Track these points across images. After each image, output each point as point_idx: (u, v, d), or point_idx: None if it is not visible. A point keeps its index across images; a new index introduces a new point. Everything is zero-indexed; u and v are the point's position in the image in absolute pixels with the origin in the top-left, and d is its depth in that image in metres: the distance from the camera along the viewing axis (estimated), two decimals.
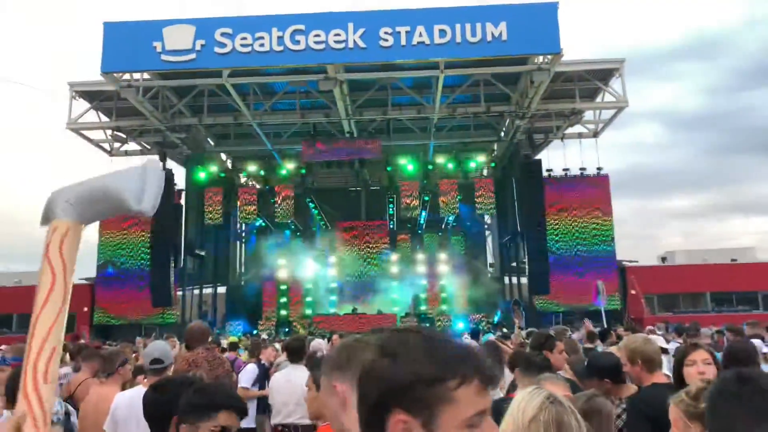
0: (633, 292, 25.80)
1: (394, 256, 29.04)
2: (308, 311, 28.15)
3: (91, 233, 27.44)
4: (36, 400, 1.09)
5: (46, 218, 1.25)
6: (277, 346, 9.79)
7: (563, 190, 25.95)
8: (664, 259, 30.27)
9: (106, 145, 27.00)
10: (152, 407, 2.55)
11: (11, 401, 3.78)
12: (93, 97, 24.11)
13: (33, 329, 1.15)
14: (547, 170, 26.25)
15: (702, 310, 26.90)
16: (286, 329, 24.91)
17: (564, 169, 27.01)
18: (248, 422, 6.31)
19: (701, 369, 3.32)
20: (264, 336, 19.38)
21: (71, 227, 1.23)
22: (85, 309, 26.76)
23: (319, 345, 8.04)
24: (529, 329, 15.06)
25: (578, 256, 24.79)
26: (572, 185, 26.46)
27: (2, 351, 8.24)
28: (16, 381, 2.24)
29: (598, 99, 24.67)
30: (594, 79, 23.25)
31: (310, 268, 29.42)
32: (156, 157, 18.98)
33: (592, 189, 26.54)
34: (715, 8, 67.91)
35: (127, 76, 20.17)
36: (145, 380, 4.57)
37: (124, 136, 26.39)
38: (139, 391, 4.18)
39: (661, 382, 3.61)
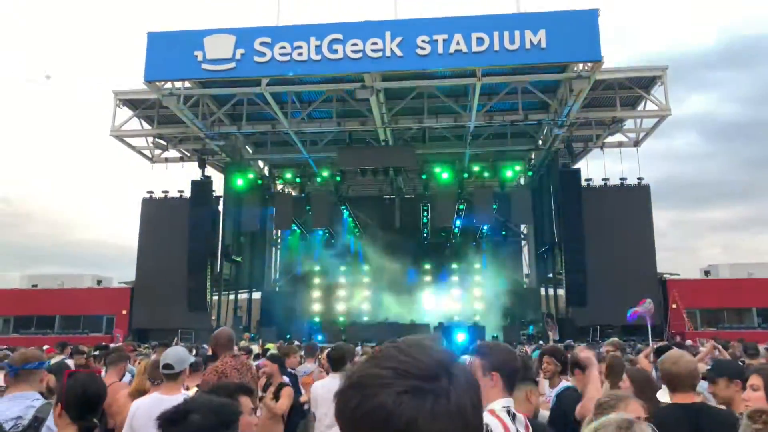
0: (674, 306, 25.02)
1: (427, 265, 28.88)
2: (341, 318, 28.20)
3: (131, 238, 28.14)
4: None
5: None
6: (302, 353, 9.76)
7: (602, 200, 25.40)
8: (707, 272, 29.26)
9: (147, 152, 27.67)
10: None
11: None
12: (136, 105, 24.78)
13: None
14: (586, 180, 25.82)
15: (748, 326, 25.92)
16: (318, 336, 24.96)
17: (603, 179, 26.50)
18: None
19: (747, 395, 3.13)
20: (297, 342, 19.43)
21: None
22: (124, 312, 27.41)
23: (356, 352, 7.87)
24: (566, 342, 14.75)
25: (617, 268, 24.15)
26: (612, 195, 25.91)
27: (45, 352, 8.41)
28: None
29: (640, 107, 24.14)
30: (636, 87, 22.76)
31: (344, 276, 29.50)
32: None
33: (632, 199, 25.94)
34: (753, 15, 65.86)
35: (168, 85, 20.63)
36: (157, 385, 4.58)
37: (165, 143, 27.00)
38: (156, 397, 4.17)
39: (678, 403, 3.35)
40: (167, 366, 4.24)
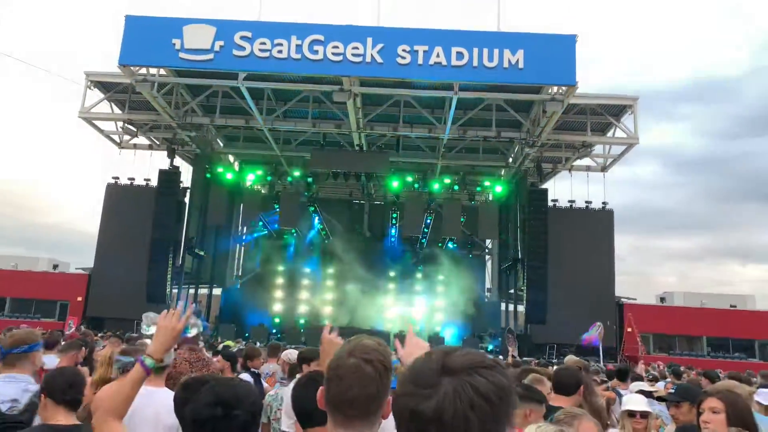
0: (629, 330, 25.61)
1: (392, 273, 28.94)
2: (302, 320, 28.02)
3: (92, 224, 27.47)
4: None
5: None
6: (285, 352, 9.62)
7: (567, 221, 25.90)
8: (662, 299, 30.08)
9: (116, 137, 27.11)
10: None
11: None
12: (107, 88, 24.27)
13: None
14: (553, 200, 26.27)
15: (698, 354, 26.69)
16: (277, 336, 24.75)
17: (569, 201, 27.03)
18: None
19: (707, 418, 3.23)
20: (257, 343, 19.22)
21: None
22: (79, 299, 26.70)
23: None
24: (524, 359, 14.94)
25: (577, 288, 24.62)
26: (576, 217, 26.45)
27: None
28: None
29: (609, 134, 24.73)
30: (606, 114, 23.31)
31: (307, 278, 29.33)
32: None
33: (596, 223, 26.54)
34: (722, 54, 68.35)
35: (143, 71, 20.28)
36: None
37: (135, 129, 26.47)
38: (145, 390, 4.09)
39: None
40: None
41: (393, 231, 29.24)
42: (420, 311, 28.16)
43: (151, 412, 3.42)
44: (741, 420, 3.14)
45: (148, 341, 4.45)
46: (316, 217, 29.19)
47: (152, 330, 3.36)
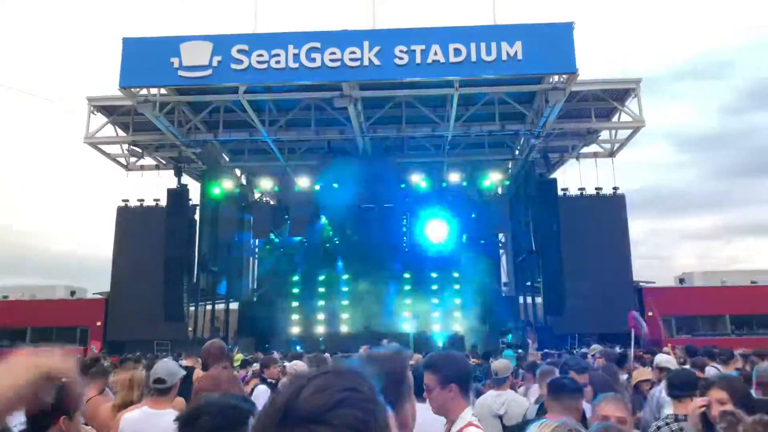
0: (650, 314, 25.33)
1: (407, 275, 28.84)
2: (319, 329, 28.00)
3: (106, 249, 27.64)
4: None
5: None
6: (287, 363, 9.64)
7: (579, 209, 25.70)
8: (681, 280, 29.72)
9: (122, 160, 27.29)
10: None
11: None
12: (110, 111, 24.44)
13: None
14: (562, 189, 26.09)
15: (721, 333, 26.35)
16: (297, 346, 24.74)
17: (579, 189, 26.82)
18: None
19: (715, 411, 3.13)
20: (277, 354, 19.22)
21: None
22: (99, 323, 26.87)
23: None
24: (545, 350, 14.83)
25: (594, 277, 24.39)
26: (588, 205, 26.23)
27: None
28: None
29: (615, 119, 24.53)
30: (610, 99, 23.12)
31: (322, 285, 29.31)
32: None
33: (608, 209, 26.30)
34: (722, 29, 67.69)
35: (144, 91, 20.40)
36: (148, 399, 4.48)
37: (140, 150, 26.64)
38: (145, 411, 4.09)
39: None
40: (159, 380, 4.20)
41: (404, 232, 29.16)
42: (436, 311, 28.02)
43: None
44: (744, 404, 3.06)
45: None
46: (326, 224, 29.18)
47: None
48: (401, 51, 18.48)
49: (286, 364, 7.12)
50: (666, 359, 4.36)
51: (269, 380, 6.81)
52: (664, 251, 67.34)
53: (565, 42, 18.38)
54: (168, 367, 4.35)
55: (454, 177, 26.20)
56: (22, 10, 65.70)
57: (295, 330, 27.91)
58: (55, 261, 62.82)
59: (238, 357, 12.88)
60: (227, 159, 28.33)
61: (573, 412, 3.45)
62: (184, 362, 8.36)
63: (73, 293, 30.31)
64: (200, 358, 6.70)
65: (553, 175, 26.10)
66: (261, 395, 6.20)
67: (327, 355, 10.45)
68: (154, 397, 4.24)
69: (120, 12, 63.76)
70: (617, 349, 12.56)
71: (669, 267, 61.57)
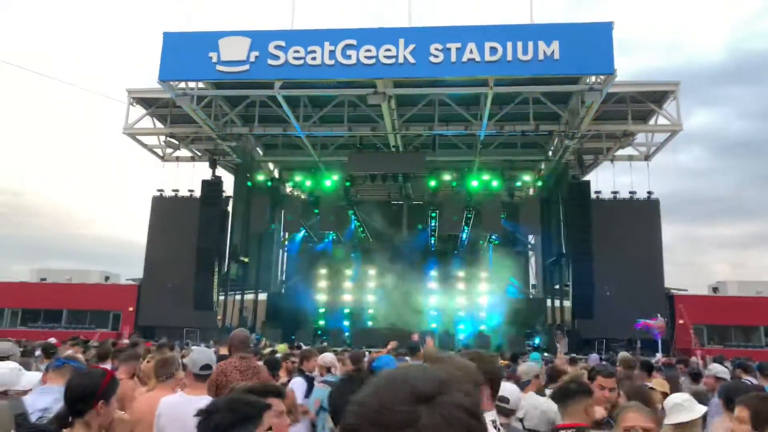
0: (681, 321, 24.87)
1: (434, 272, 28.83)
2: (346, 323, 28.21)
3: (140, 235, 28.31)
4: None
5: None
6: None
7: (611, 213, 25.32)
8: (715, 289, 29.09)
9: (159, 151, 27.88)
10: None
11: None
12: (149, 103, 25.00)
13: None
14: (596, 192, 25.74)
15: (755, 344, 25.73)
16: (324, 339, 24.97)
17: (613, 192, 26.43)
18: None
19: (735, 428, 3.12)
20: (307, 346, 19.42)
21: None
22: (131, 309, 27.57)
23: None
24: (572, 355, 14.69)
25: (625, 281, 24.03)
26: (621, 209, 25.83)
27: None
28: None
29: (651, 121, 24.08)
30: (647, 101, 22.71)
31: (350, 280, 29.52)
32: None
33: (641, 213, 25.86)
34: (762, 30, 65.56)
35: (182, 85, 20.80)
36: (185, 385, 4.62)
37: (177, 142, 27.20)
38: (182, 397, 4.23)
39: None
40: (206, 366, 4.35)
41: (433, 230, 29.15)
42: (462, 309, 27.96)
43: (192, 422, 3.57)
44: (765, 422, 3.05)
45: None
46: (356, 220, 29.37)
47: None
48: (436, 49, 18.43)
49: (322, 355, 7.14)
50: (722, 369, 4.36)
51: (306, 373, 6.86)
52: (697, 258, 65.77)
53: (603, 42, 18.10)
54: (209, 354, 4.51)
55: (485, 177, 26.04)
56: (67, 4, 67.44)
57: (321, 323, 28.18)
58: (90, 246, 64.54)
59: (282, 347, 13.05)
60: (261, 153, 28.72)
61: (580, 415, 3.45)
62: (221, 350, 8.55)
63: (107, 278, 31.17)
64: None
65: (586, 177, 25.77)
66: (297, 387, 6.29)
67: (364, 350, 10.48)
68: (192, 382, 4.38)
69: (161, 7, 64.95)
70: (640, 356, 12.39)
71: (702, 274, 60.15)
